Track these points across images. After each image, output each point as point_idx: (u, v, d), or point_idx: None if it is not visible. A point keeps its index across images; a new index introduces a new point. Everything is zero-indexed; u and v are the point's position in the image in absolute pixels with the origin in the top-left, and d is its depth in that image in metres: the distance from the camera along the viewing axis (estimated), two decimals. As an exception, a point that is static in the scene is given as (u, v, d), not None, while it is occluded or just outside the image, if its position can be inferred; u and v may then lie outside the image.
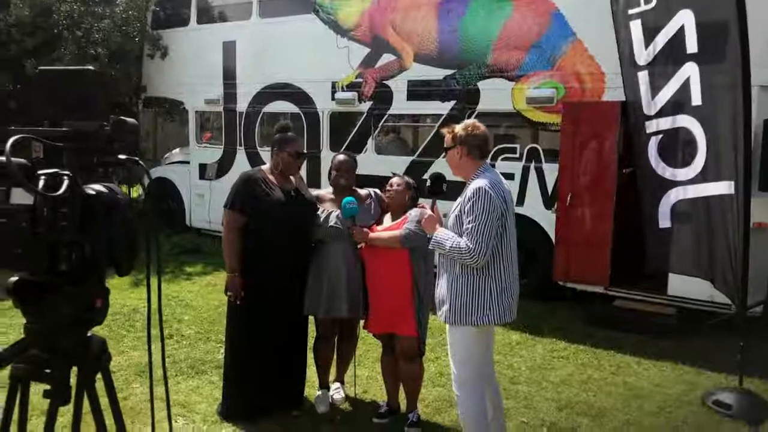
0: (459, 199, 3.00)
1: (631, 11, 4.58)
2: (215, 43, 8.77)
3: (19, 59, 8.93)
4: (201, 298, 6.46)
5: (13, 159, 1.20)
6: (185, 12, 9.26)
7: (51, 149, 1.34)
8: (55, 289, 1.37)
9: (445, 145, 3.16)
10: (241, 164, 8.20)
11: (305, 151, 3.79)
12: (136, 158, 1.47)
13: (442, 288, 3.06)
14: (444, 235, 2.97)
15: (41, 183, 1.27)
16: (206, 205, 9.04)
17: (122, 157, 1.44)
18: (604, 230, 5.96)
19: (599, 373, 4.67)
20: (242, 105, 8.63)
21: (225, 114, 8.88)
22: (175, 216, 9.60)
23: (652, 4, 4.42)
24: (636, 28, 4.55)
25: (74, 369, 1.61)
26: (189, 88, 9.21)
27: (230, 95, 8.75)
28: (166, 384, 1.87)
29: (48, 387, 1.52)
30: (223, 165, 8.91)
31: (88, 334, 1.58)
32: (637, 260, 5.99)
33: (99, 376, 1.71)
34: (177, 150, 10.45)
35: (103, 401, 1.74)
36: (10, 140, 1.21)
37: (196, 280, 7.30)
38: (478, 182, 2.92)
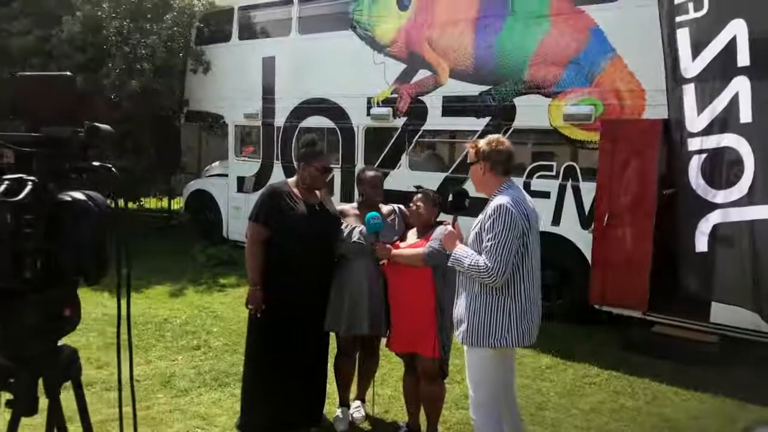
0: (480, 216, 2.92)
1: (679, 18, 4.34)
2: (255, 59, 8.93)
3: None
4: (231, 310, 6.49)
5: None
6: (227, 28, 9.47)
7: (22, 156, 1.33)
8: (20, 297, 1.35)
9: (468, 161, 3.09)
10: (277, 178, 8.25)
11: (332, 165, 3.76)
12: (109, 165, 1.45)
13: (460, 307, 2.97)
14: (463, 253, 2.89)
15: (2, 188, 1.26)
16: (243, 218, 9.13)
17: (96, 164, 1.43)
18: (643, 252, 5.74)
19: (633, 401, 4.47)
20: (280, 119, 8.74)
21: (263, 128, 9.01)
22: (212, 228, 9.76)
23: (703, 12, 4.18)
24: (683, 37, 4.31)
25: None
26: (229, 103, 9.39)
27: (269, 110, 8.88)
28: (131, 391, 1.81)
29: (11, 397, 1.50)
30: (261, 178, 9.01)
31: (59, 344, 1.56)
32: (678, 285, 5.76)
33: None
34: (216, 163, 10.65)
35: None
36: None
37: (229, 292, 7.35)
38: (500, 199, 2.83)
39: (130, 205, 11.35)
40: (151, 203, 11.94)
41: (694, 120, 4.16)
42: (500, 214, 2.78)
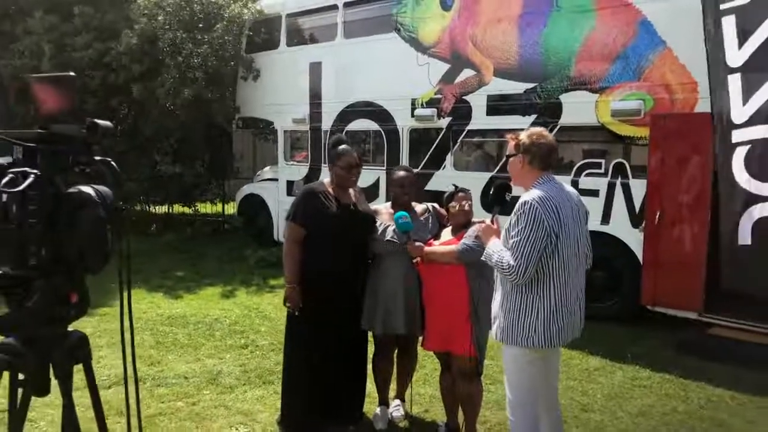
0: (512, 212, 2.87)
1: (723, 6, 4.14)
2: (303, 64, 9.09)
3: (127, 84, 9.69)
4: (279, 311, 6.60)
5: None
6: (276, 35, 9.68)
7: (30, 152, 1.42)
8: (27, 283, 1.43)
9: (507, 152, 3.03)
10: (324, 181, 8.38)
11: (359, 162, 3.76)
12: (109, 159, 1.52)
13: (496, 303, 2.94)
14: (494, 248, 2.84)
15: (6, 179, 1.34)
16: (292, 221, 9.31)
17: (97, 158, 1.50)
18: (697, 251, 5.52)
19: (685, 405, 4.29)
20: (327, 123, 8.86)
21: (311, 132, 9.15)
22: (264, 231, 9.98)
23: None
24: (729, 25, 4.10)
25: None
26: (278, 108, 9.59)
27: (316, 114, 9.02)
28: (130, 393, 1.86)
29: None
30: (309, 182, 9.14)
31: (69, 329, 1.63)
32: (719, 279, 5.49)
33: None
34: (268, 168, 10.89)
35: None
36: None
37: (278, 292, 7.48)
38: (528, 195, 2.76)
39: (186, 209, 11.75)
40: (205, 208, 12.32)
41: (740, 111, 3.96)
42: (525, 211, 2.72)
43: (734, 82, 4.00)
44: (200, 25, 9.64)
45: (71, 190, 1.40)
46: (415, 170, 4.25)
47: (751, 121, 3.93)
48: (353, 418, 3.87)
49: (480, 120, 7.13)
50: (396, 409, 3.99)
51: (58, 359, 1.54)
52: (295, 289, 3.61)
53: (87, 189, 1.40)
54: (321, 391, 3.69)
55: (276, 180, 9.99)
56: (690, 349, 5.32)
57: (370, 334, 3.84)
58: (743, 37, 3.93)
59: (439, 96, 7.43)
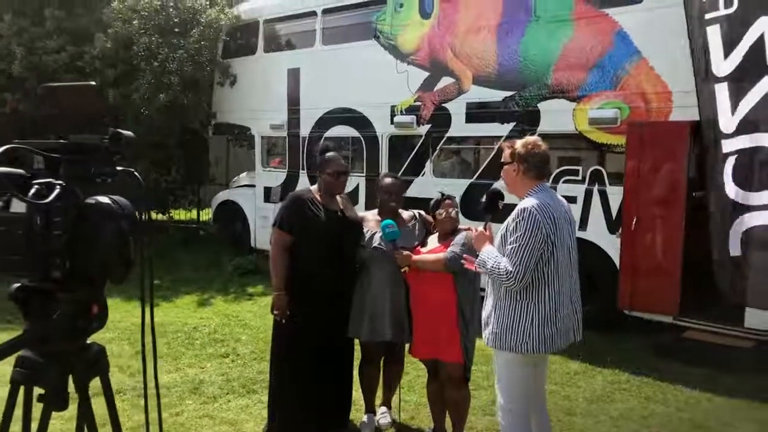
0: (508, 219, 2.91)
1: (708, 16, 4.22)
2: (280, 70, 9.06)
3: (101, 90, 9.53)
4: (259, 319, 6.56)
5: (3, 169, 1.26)
6: (253, 41, 9.63)
7: (52, 162, 1.40)
8: (50, 296, 1.41)
9: (502, 160, 3.06)
10: (303, 187, 8.35)
11: (346, 169, 3.78)
12: (132, 170, 1.50)
13: (487, 308, 2.97)
14: (488, 254, 2.88)
15: (32, 191, 1.32)
16: (270, 228, 9.23)
17: (119, 168, 1.48)
18: (673, 257, 5.64)
19: (664, 408, 4.38)
20: (305, 130, 8.83)
21: (289, 139, 9.12)
22: (240, 238, 9.89)
23: (732, 9, 4.08)
24: (714, 35, 4.19)
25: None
26: (256, 114, 9.53)
27: (294, 120, 8.99)
28: (159, 407, 1.85)
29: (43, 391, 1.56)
30: (287, 188, 9.09)
31: (88, 342, 1.61)
32: (709, 289, 5.64)
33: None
34: (244, 174, 10.80)
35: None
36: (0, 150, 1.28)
37: (257, 300, 7.44)
38: (526, 202, 2.82)
39: (160, 216, 11.58)
40: (180, 214, 12.15)
41: (728, 120, 4.04)
42: (524, 218, 2.77)
43: (722, 91, 4.08)
44: (176, 30, 9.54)
45: (89, 201, 1.38)
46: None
47: (738, 131, 4.01)
48: (340, 425, 3.86)
49: (459, 127, 7.19)
50: (383, 416, 3.99)
51: (79, 372, 1.51)
52: (283, 296, 3.59)
53: (105, 200, 1.38)
54: (308, 399, 3.67)
55: (253, 186, 9.91)
56: (666, 352, 5.44)
57: (356, 341, 3.84)
58: (729, 46, 4.01)
59: (418, 103, 7.48)
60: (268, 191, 9.48)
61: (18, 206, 1.32)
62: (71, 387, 1.57)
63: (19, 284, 1.41)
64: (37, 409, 1.60)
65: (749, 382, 4.72)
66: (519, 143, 2.99)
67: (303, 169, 8.92)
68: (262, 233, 9.48)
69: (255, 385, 4.66)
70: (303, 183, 8.70)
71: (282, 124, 9.10)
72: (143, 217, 1.50)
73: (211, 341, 5.75)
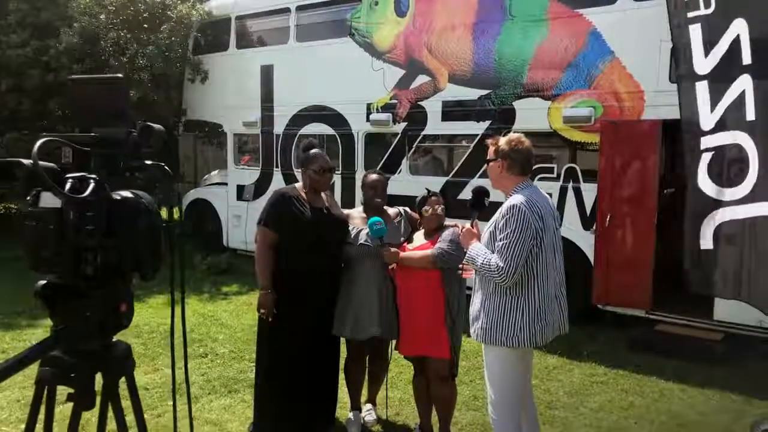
0: (495, 215, 2.94)
1: (690, 14, 4.33)
2: (254, 67, 8.96)
3: (67, 85, 9.26)
4: (236, 318, 6.50)
5: (41, 163, 1.22)
6: (225, 37, 9.50)
7: (80, 155, 1.36)
8: (80, 293, 1.38)
9: (487, 157, 3.11)
10: (277, 185, 8.27)
11: (331, 166, 3.78)
12: (162, 164, 1.48)
13: (476, 304, 3.00)
14: (477, 251, 2.91)
15: (68, 186, 1.29)
16: (243, 226, 9.16)
17: (148, 162, 1.46)
18: (645, 252, 5.80)
19: (641, 399, 4.49)
20: (279, 127, 8.76)
21: (262, 136, 9.03)
22: (212, 236, 9.76)
23: (711, 9, 4.19)
24: (696, 33, 4.30)
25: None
26: (228, 111, 9.42)
27: (268, 118, 8.91)
28: (189, 402, 1.85)
29: (72, 391, 1.53)
30: (260, 186, 9.03)
31: (113, 339, 1.59)
32: (680, 283, 5.80)
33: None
34: (215, 172, 10.65)
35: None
36: (37, 143, 1.24)
37: (232, 299, 7.36)
38: (514, 199, 2.86)
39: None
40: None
41: (708, 118, 4.14)
42: (513, 214, 2.81)
43: (702, 89, 4.17)
44: (145, 26, 9.34)
45: (116, 196, 1.35)
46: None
47: (716, 128, 4.12)
48: (326, 423, 3.85)
49: (435, 125, 7.23)
50: (368, 413, 3.99)
51: (109, 371, 1.48)
52: (269, 294, 3.56)
53: (129, 194, 1.35)
54: (294, 398, 3.65)
55: (224, 184, 9.79)
56: (640, 345, 5.58)
57: (342, 338, 3.83)
58: (709, 46, 4.11)
59: (394, 101, 7.50)
60: (240, 189, 9.38)
61: (48, 201, 1.28)
62: (95, 387, 1.54)
63: (45, 281, 1.37)
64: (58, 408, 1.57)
65: (720, 373, 4.88)
66: (503, 140, 3.04)
67: (277, 166, 8.85)
68: (235, 232, 9.39)
69: (237, 384, 4.61)
70: (277, 181, 8.64)
71: (255, 122, 9.01)
72: (173, 211, 1.48)
73: (188, 341, 5.63)
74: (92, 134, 1.39)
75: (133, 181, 1.41)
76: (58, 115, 9.78)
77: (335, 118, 8.07)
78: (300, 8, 8.40)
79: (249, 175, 9.30)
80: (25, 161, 1.24)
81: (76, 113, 1.47)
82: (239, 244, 9.32)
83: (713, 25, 4.08)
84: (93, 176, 1.32)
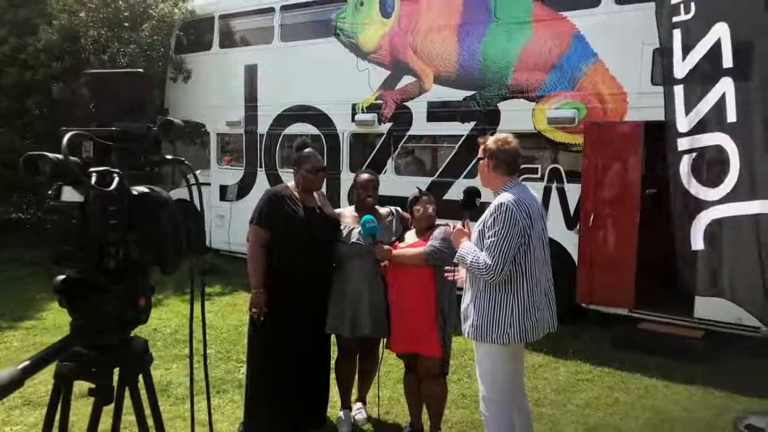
0: (484, 214, 2.98)
1: (674, 19, 4.43)
2: (237, 67, 8.91)
3: (46, 83, 9.13)
4: (221, 318, 6.45)
5: (73, 158, 1.21)
6: (208, 36, 9.43)
7: (100, 149, 1.36)
8: (100, 287, 1.37)
9: (478, 156, 3.15)
10: (261, 186, 8.25)
11: (324, 166, 3.79)
12: (182, 158, 1.48)
13: (466, 302, 3.03)
14: (467, 249, 2.94)
15: (93, 180, 1.28)
16: (226, 226, 9.09)
17: (168, 157, 1.46)
18: (627, 252, 5.89)
19: (626, 396, 4.57)
20: (263, 127, 8.72)
21: (246, 136, 8.98)
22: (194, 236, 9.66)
23: (690, 15, 4.28)
24: (677, 38, 4.40)
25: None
26: (211, 111, 9.34)
27: (251, 117, 8.86)
28: (209, 401, 1.84)
29: (92, 385, 1.52)
30: (244, 186, 8.98)
31: (131, 335, 1.58)
32: (661, 282, 5.91)
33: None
34: (198, 172, 10.55)
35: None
36: (66, 137, 1.23)
37: (216, 300, 7.30)
38: (502, 197, 2.90)
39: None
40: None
41: (683, 120, 4.26)
42: (501, 212, 2.85)
43: (679, 93, 4.28)
44: (126, 24, 9.24)
45: (134, 191, 1.34)
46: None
47: (695, 130, 4.22)
48: (317, 422, 3.85)
49: (420, 126, 7.26)
50: (358, 411, 4.00)
51: (128, 366, 1.47)
52: (261, 293, 3.55)
53: (147, 189, 1.35)
54: (285, 398, 3.65)
55: (207, 184, 9.70)
56: (623, 343, 5.66)
57: (333, 337, 3.84)
58: (685, 50, 4.21)
59: (379, 102, 7.51)
60: (224, 189, 9.31)
61: (69, 195, 1.27)
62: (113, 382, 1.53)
63: (64, 276, 1.36)
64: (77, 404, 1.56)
65: (702, 370, 4.97)
66: (491, 139, 3.10)
67: (261, 166, 8.81)
68: (218, 232, 9.32)
69: (225, 384, 4.59)
70: (261, 181, 8.60)
71: (239, 121, 8.96)
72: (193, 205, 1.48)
73: (173, 342, 5.62)
74: (113, 128, 1.38)
75: (154, 175, 1.41)
76: (36, 113, 9.63)
77: (320, 118, 8.07)
78: (284, 8, 8.38)
79: (232, 175, 9.24)
80: (50, 155, 1.23)
81: (96, 107, 1.46)
82: (222, 244, 9.25)
83: (692, 29, 4.19)
84: (116, 170, 1.31)
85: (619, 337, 5.77)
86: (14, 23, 9.17)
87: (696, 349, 5.41)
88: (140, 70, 1.55)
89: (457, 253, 3.01)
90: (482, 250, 2.88)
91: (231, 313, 6.61)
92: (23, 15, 9.25)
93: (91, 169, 1.31)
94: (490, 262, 2.80)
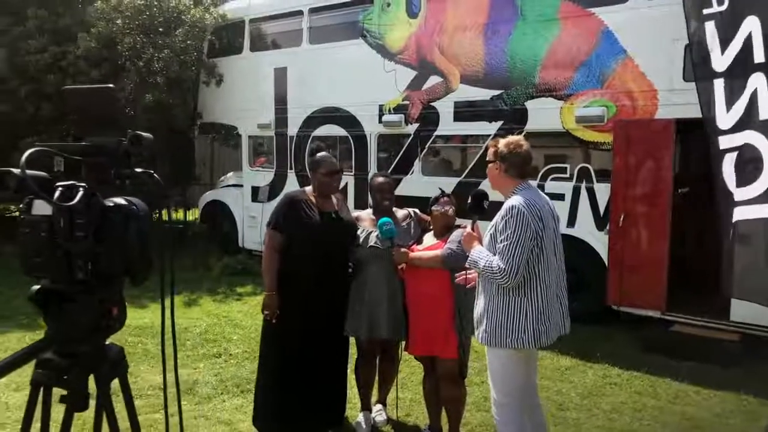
0: (495, 218, 2.95)
1: (705, 11, 4.27)
2: (267, 70, 9.03)
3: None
4: (250, 318, 6.55)
5: (29, 171, 1.26)
6: (239, 40, 9.59)
7: (72, 164, 1.40)
8: (72, 298, 1.41)
9: (487, 158, 3.13)
10: (291, 187, 8.34)
11: (339, 168, 3.80)
12: (151, 171, 1.51)
13: (479, 307, 3.00)
14: (479, 254, 2.92)
15: (57, 194, 1.32)
16: (258, 227, 9.22)
17: (138, 170, 1.49)
18: (659, 252, 5.75)
19: (655, 401, 4.45)
20: (293, 129, 8.82)
21: (276, 138, 9.10)
22: (228, 237, 9.85)
23: (724, 6, 4.13)
24: (711, 30, 4.24)
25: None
26: (242, 114, 9.50)
27: (281, 120, 8.97)
28: (174, 403, 1.88)
29: (64, 393, 1.56)
30: (275, 188, 9.10)
31: (106, 343, 1.62)
32: (695, 284, 5.75)
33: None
34: (231, 174, 10.75)
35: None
36: (26, 154, 1.28)
37: (246, 300, 7.42)
38: (513, 201, 2.87)
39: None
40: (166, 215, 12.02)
41: (724, 117, 4.07)
42: (513, 216, 2.81)
43: (719, 87, 4.10)
44: (161, 30, 9.46)
45: (108, 202, 1.39)
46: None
47: (734, 128, 4.05)
48: (335, 424, 3.86)
49: (447, 126, 7.23)
50: (378, 413, 4.01)
51: (102, 373, 1.52)
52: (274, 296, 3.59)
53: (123, 201, 1.39)
54: (298, 400, 3.65)
55: (240, 186, 9.87)
56: (655, 346, 5.52)
57: (351, 339, 3.85)
58: (724, 43, 4.05)
59: (406, 102, 7.51)
60: (255, 191, 9.45)
61: (40, 208, 1.32)
62: (88, 389, 1.58)
63: (38, 286, 1.41)
64: (56, 410, 1.61)
65: (736, 375, 4.81)
66: (502, 142, 3.06)
67: (291, 168, 8.91)
68: (251, 233, 9.47)
69: (249, 384, 4.64)
70: (291, 182, 8.70)
71: (269, 124, 9.09)
72: (162, 216, 1.51)
73: (202, 341, 5.73)
74: (83, 143, 1.43)
75: (124, 188, 1.44)
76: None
77: (348, 120, 8.11)
78: (312, 11, 8.45)
79: (263, 177, 9.37)
80: (15, 170, 1.28)
81: (70, 122, 1.51)
82: (254, 245, 9.39)
83: (727, 21, 4.02)
84: (82, 184, 1.35)
85: (651, 340, 5.63)
86: (55, 31, 9.48)
87: (731, 353, 5.24)
88: (110, 85, 1.59)
89: (469, 258, 2.99)
90: (495, 254, 2.85)
91: (260, 313, 6.62)
92: (63, 24, 9.55)
93: (58, 184, 1.36)
94: (503, 266, 2.77)
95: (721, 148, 4.15)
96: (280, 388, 3.68)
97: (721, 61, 4.03)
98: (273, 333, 3.72)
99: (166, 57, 9.11)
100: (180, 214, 11.69)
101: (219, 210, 10.14)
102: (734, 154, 4.04)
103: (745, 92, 3.89)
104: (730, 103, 4.00)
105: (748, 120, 3.93)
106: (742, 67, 3.92)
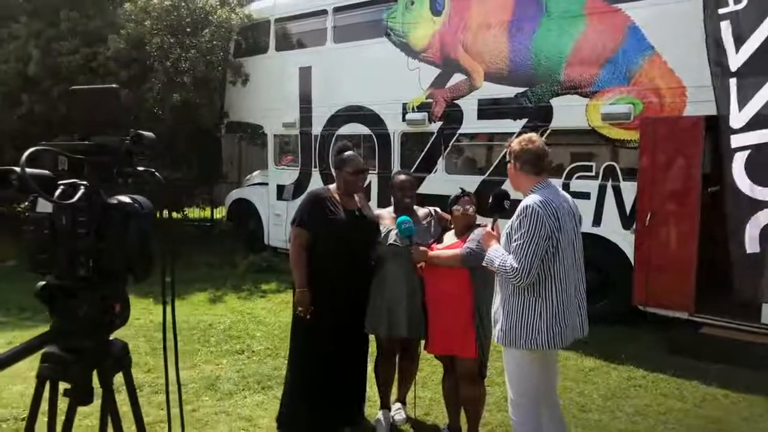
0: (512, 217, 2.92)
1: (721, 10, 4.21)
2: (292, 69, 9.10)
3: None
4: (273, 315, 6.61)
5: (30, 170, 1.29)
6: (265, 40, 9.67)
7: (75, 163, 1.43)
8: (75, 293, 1.44)
9: (506, 159, 3.12)
10: (316, 185, 8.38)
11: (365, 168, 3.81)
12: (153, 170, 1.54)
13: (496, 306, 2.98)
14: (495, 253, 2.90)
15: (58, 192, 1.35)
16: (283, 225, 9.30)
17: (140, 168, 1.51)
18: (688, 252, 5.62)
19: (681, 404, 4.36)
20: (317, 128, 8.87)
21: (301, 137, 9.16)
22: (254, 235, 9.95)
23: (742, 5, 4.06)
24: (726, 29, 4.17)
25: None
26: (268, 113, 9.58)
27: (306, 119, 9.03)
28: (176, 398, 1.90)
29: (68, 386, 1.59)
30: (300, 186, 9.16)
31: (110, 338, 1.64)
32: (726, 285, 5.61)
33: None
34: (257, 172, 10.86)
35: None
36: (26, 153, 1.31)
37: (270, 297, 7.49)
38: (528, 200, 2.84)
39: (174, 214, 11.66)
40: (193, 213, 12.22)
41: (737, 116, 4.01)
42: (527, 215, 2.78)
43: (734, 86, 4.04)
44: (188, 30, 9.59)
45: (112, 200, 1.41)
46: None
47: (749, 126, 3.97)
48: (354, 422, 3.88)
49: (471, 124, 7.19)
50: (398, 412, 4.01)
51: (106, 368, 1.55)
52: (305, 293, 3.61)
53: (127, 199, 1.41)
54: (323, 396, 3.69)
55: (265, 184, 9.97)
56: (681, 348, 5.41)
57: (372, 337, 3.86)
58: (739, 42, 3.98)
59: (430, 100, 7.49)
60: (281, 189, 9.54)
61: (44, 206, 1.35)
62: (92, 383, 1.61)
63: (44, 282, 1.45)
64: (62, 403, 1.64)
65: (766, 378, 4.69)
66: (515, 141, 3.03)
67: (315, 167, 8.97)
68: (276, 231, 9.55)
69: (270, 381, 4.70)
70: (315, 180, 8.74)
71: (294, 122, 9.15)
72: (163, 215, 1.53)
73: (226, 338, 5.80)
74: (85, 142, 1.46)
75: (126, 186, 1.47)
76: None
77: (372, 118, 8.12)
78: (337, 9, 8.48)
79: (289, 175, 9.44)
80: (17, 169, 1.32)
81: (75, 122, 1.54)
82: (279, 243, 9.48)
83: (744, 21, 3.94)
84: (84, 182, 1.38)
85: (678, 342, 5.52)
86: (86, 33, 9.68)
87: (761, 355, 5.10)
88: (115, 85, 1.61)
89: (486, 257, 2.97)
90: (510, 253, 2.83)
91: (283, 311, 6.75)
92: (94, 26, 9.75)
93: (60, 182, 1.39)
94: (516, 266, 2.74)
95: (733, 146, 4.08)
96: (308, 386, 3.70)
97: (735, 59, 3.96)
98: (304, 329, 3.74)
99: (193, 57, 9.24)
100: (207, 212, 11.86)
101: (245, 208, 10.25)
102: (746, 153, 3.96)
103: (762, 91, 3.81)
104: (743, 102, 3.92)
105: (765, 119, 3.84)
106: (759, 66, 3.84)
